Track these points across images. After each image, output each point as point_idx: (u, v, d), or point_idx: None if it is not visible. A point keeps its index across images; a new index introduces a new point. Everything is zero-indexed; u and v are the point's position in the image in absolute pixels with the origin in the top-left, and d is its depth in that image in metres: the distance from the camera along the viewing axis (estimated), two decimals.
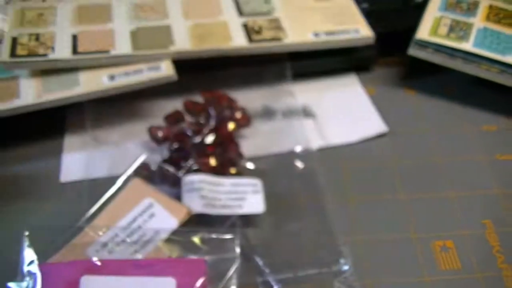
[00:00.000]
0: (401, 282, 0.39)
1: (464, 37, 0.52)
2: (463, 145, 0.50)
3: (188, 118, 0.48)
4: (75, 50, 0.47)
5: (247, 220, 0.42)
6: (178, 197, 0.41)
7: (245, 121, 0.49)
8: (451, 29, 0.52)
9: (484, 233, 0.42)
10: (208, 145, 0.45)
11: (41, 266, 0.35)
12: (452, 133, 0.51)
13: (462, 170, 0.47)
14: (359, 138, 0.50)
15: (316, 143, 0.49)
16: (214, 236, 0.37)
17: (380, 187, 0.46)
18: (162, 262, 0.36)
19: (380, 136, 0.50)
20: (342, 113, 0.52)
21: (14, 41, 0.47)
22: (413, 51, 0.52)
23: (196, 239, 0.38)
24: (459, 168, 0.48)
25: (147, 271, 0.35)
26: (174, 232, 0.39)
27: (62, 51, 0.47)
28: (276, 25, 0.53)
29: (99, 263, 0.35)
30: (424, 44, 0.52)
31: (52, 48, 0.47)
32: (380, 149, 0.49)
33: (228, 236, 0.37)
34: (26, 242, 0.36)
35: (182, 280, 0.35)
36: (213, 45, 0.50)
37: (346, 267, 0.39)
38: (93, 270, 0.35)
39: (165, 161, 0.44)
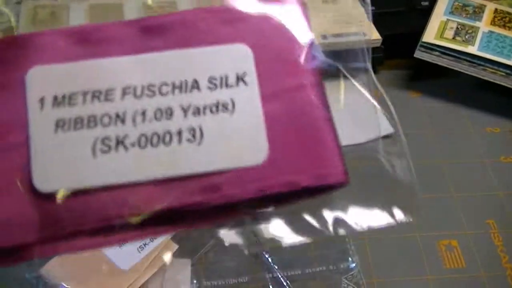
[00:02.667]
0: (406, 280, 0.40)
1: (469, 41, 0.53)
2: (467, 147, 0.50)
3: None
4: None
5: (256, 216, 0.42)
6: None
7: None
8: (457, 32, 0.53)
9: (488, 233, 0.43)
10: None
11: None
12: (456, 135, 0.52)
13: (466, 172, 0.48)
14: (365, 139, 0.50)
15: None
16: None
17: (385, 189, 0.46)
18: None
19: (386, 137, 0.51)
20: (348, 115, 0.53)
21: None
22: (419, 54, 0.53)
23: None
24: (464, 169, 0.48)
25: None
26: None
27: None
28: None
29: None
30: (430, 47, 0.52)
31: None
32: (385, 150, 0.50)
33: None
34: None
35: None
36: None
37: (353, 265, 0.40)
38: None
39: None
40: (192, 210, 0.29)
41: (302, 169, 0.30)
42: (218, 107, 0.30)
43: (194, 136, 0.30)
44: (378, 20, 0.56)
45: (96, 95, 0.30)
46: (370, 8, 0.54)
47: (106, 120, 0.29)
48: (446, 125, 0.52)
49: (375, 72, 0.56)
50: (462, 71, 0.52)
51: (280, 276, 0.39)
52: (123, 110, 0.30)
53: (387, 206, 0.35)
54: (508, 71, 0.51)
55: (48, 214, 0.28)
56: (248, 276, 0.38)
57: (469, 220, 0.44)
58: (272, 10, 0.33)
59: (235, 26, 0.32)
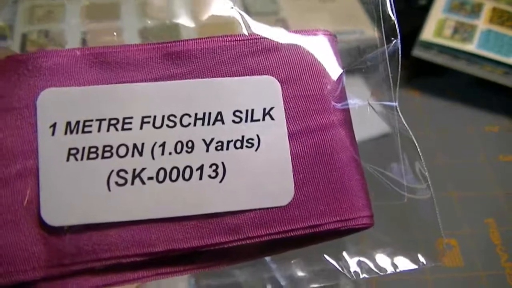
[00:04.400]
0: (405, 279, 0.40)
1: (468, 39, 0.52)
2: (466, 145, 0.50)
3: None
4: (84, 47, 0.48)
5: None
6: None
7: None
8: (455, 30, 0.53)
9: (487, 232, 0.43)
10: None
11: None
12: (455, 133, 0.51)
13: (465, 171, 0.48)
14: (363, 138, 0.50)
15: None
16: None
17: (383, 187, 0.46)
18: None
19: (384, 136, 0.51)
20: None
21: (24, 37, 0.48)
22: (417, 52, 0.53)
23: None
24: (462, 168, 0.48)
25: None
26: None
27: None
28: (282, 25, 0.53)
29: None
30: (429, 45, 0.52)
31: (61, 45, 0.48)
32: (383, 149, 0.50)
33: None
34: None
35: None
36: None
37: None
38: None
39: None
40: (211, 251, 0.28)
41: (327, 213, 0.29)
42: (243, 142, 0.29)
43: (216, 172, 0.28)
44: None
45: (112, 123, 0.28)
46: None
47: (122, 151, 0.27)
48: (444, 124, 0.52)
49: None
50: (460, 69, 0.52)
51: (278, 277, 0.38)
52: (141, 140, 0.28)
53: (409, 250, 0.34)
54: (506, 70, 0.51)
55: (56, 250, 0.27)
56: (246, 275, 0.38)
57: (468, 219, 0.44)
58: (301, 42, 0.31)
59: (264, 57, 0.30)
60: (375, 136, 0.51)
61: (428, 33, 0.53)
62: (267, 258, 0.38)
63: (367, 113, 0.52)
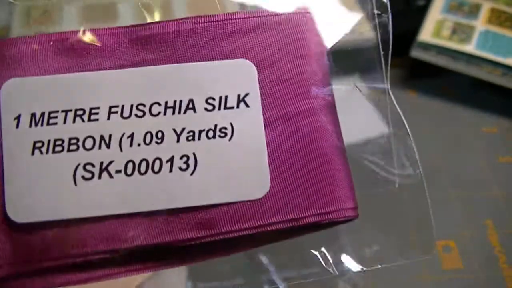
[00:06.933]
0: (404, 281, 0.40)
1: (466, 40, 0.52)
2: (464, 147, 0.50)
3: None
4: None
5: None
6: None
7: None
8: (454, 31, 0.53)
9: (485, 234, 0.43)
10: None
11: None
12: (453, 134, 0.51)
13: (463, 172, 0.48)
14: (361, 139, 0.50)
15: None
16: None
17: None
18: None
19: (381, 137, 0.51)
20: (343, 114, 0.53)
21: None
22: (415, 53, 0.53)
23: None
24: (460, 169, 0.48)
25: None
26: None
27: None
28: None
29: None
30: (427, 46, 0.52)
31: None
32: (381, 150, 0.50)
33: None
34: None
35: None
36: None
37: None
38: None
39: None
40: (185, 246, 0.27)
41: (306, 205, 0.27)
42: (215, 131, 0.27)
43: (187, 164, 0.26)
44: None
45: (78, 114, 0.27)
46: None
47: (89, 143, 0.26)
48: (443, 125, 0.52)
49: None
50: (458, 70, 0.52)
51: (275, 278, 0.38)
52: (108, 132, 0.26)
53: (399, 244, 0.33)
54: (504, 71, 0.51)
55: (23, 247, 0.26)
56: (243, 277, 0.37)
57: (466, 221, 0.44)
58: (279, 22, 0.29)
59: (239, 39, 0.29)
60: (373, 137, 0.50)
61: (426, 33, 0.53)
62: (264, 260, 0.37)
63: (365, 113, 0.52)
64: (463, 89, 0.55)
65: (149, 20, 0.51)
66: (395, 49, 0.56)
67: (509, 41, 0.52)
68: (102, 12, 0.53)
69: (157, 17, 0.51)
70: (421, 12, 0.56)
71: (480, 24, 0.54)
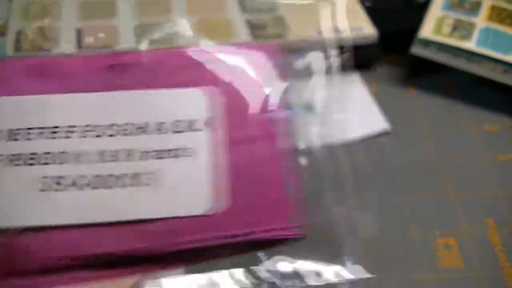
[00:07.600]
0: (404, 279, 0.39)
1: (467, 37, 0.52)
2: (464, 144, 0.50)
3: None
4: (79, 45, 0.47)
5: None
6: None
7: None
8: (455, 28, 0.53)
9: (486, 232, 0.43)
10: None
11: None
12: (453, 132, 0.51)
13: (463, 170, 0.48)
14: (361, 136, 0.50)
15: (318, 141, 0.49)
16: None
17: (381, 186, 0.46)
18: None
19: (382, 134, 0.51)
20: (344, 111, 0.53)
21: (19, 34, 0.47)
22: (416, 50, 0.53)
23: None
24: (461, 167, 0.48)
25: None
26: None
27: (66, 46, 0.47)
28: (280, 22, 0.53)
29: None
30: (427, 43, 0.52)
31: (56, 42, 0.47)
32: (382, 148, 0.50)
33: None
34: None
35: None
36: (217, 41, 0.50)
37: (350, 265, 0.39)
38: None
39: None
40: (145, 256, 0.29)
41: (256, 223, 0.30)
42: (177, 151, 0.30)
43: (141, 180, 0.29)
44: (375, 16, 0.55)
45: (41, 132, 0.29)
46: (365, 3, 0.52)
47: (47, 158, 0.29)
48: (443, 122, 0.52)
49: (370, 68, 0.56)
50: (459, 67, 0.52)
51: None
52: (65, 149, 0.29)
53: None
54: (505, 68, 0.50)
55: None
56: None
57: (466, 219, 0.43)
58: (243, 57, 0.34)
59: (206, 69, 0.33)
60: (373, 134, 0.50)
61: (427, 30, 0.52)
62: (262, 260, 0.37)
63: (367, 111, 0.52)
64: (463, 87, 0.55)
65: (147, 16, 0.51)
66: (396, 47, 0.56)
67: (510, 38, 0.52)
68: (101, 9, 0.52)
69: (156, 14, 0.51)
70: (421, 9, 0.56)
71: (480, 21, 0.54)
